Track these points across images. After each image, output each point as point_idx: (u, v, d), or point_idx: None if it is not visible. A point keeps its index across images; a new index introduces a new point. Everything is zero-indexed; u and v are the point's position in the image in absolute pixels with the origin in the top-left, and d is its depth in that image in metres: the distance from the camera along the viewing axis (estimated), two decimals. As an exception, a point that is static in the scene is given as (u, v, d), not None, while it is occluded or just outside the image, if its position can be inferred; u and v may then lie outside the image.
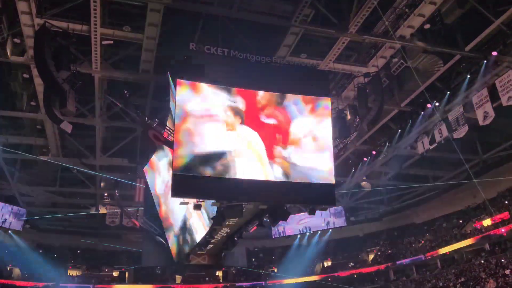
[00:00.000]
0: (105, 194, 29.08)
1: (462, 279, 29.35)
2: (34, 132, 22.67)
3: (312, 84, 14.66)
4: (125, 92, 15.38)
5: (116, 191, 27.36)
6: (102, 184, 27.56)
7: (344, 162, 26.81)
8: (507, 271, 25.97)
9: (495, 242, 29.78)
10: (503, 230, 28.09)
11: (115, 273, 40.17)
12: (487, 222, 30.22)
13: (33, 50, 13.40)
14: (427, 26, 16.26)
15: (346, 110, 19.02)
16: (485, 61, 17.73)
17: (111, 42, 15.98)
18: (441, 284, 31.04)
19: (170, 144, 13.65)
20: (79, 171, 25.72)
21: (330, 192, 13.93)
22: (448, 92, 20.38)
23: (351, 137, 17.65)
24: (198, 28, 15.82)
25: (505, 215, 28.57)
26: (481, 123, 18.84)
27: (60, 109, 13.42)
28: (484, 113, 18.48)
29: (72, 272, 38.84)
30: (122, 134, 22.79)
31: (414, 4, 15.19)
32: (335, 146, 15.17)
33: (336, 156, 16.37)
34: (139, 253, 27.68)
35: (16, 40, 15.87)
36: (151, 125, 15.01)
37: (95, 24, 14.39)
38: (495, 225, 29.14)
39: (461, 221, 34.24)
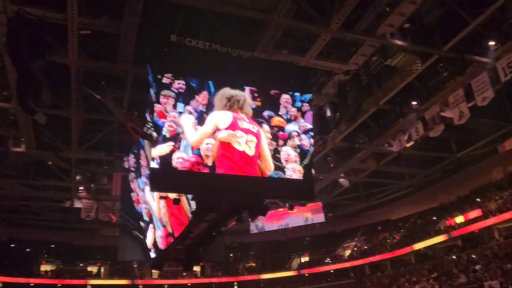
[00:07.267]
0: (81, 188, 28.45)
1: (435, 274, 30.10)
2: (7, 122, 21.94)
3: (292, 80, 14.62)
4: (103, 83, 14.97)
5: (92, 185, 26.81)
6: (77, 177, 26.94)
7: (323, 159, 27.03)
8: (478, 267, 26.74)
9: (467, 239, 30.61)
10: (475, 227, 28.91)
11: (90, 268, 39.58)
12: (459, 219, 31.01)
13: (5, 38, 12.88)
14: (407, 25, 16.41)
15: (326, 107, 19.11)
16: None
17: (89, 32, 15.54)
18: (414, 279, 31.75)
19: (149, 137, 13.39)
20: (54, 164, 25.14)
21: (309, 188, 13.96)
22: (426, 91, 20.78)
23: (330, 134, 17.72)
24: (179, 20, 15.56)
25: (477, 212, 29.39)
26: (456, 122, 19.25)
27: (34, 100, 12.98)
28: (460, 113, 18.89)
29: (45, 267, 38.05)
30: (99, 126, 22.30)
31: (395, 3, 15.33)
32: (314, 143, 15.20)
33: (316, 153, 16.42)
34: (115, 248, 27.29)
35: (-13, 28, 15.29)
36: (129, 117, 14.65)
37: (72, 13, 13.97)
38: (467, 222, 29.93)
39: (434, 218, 35.07)
